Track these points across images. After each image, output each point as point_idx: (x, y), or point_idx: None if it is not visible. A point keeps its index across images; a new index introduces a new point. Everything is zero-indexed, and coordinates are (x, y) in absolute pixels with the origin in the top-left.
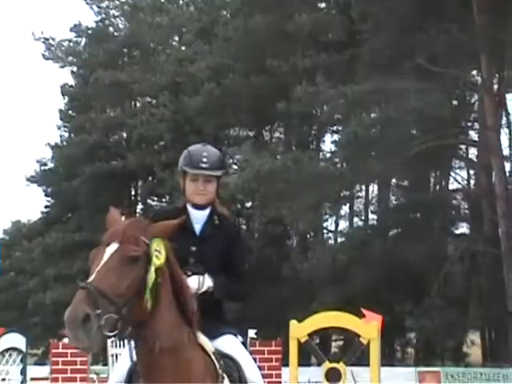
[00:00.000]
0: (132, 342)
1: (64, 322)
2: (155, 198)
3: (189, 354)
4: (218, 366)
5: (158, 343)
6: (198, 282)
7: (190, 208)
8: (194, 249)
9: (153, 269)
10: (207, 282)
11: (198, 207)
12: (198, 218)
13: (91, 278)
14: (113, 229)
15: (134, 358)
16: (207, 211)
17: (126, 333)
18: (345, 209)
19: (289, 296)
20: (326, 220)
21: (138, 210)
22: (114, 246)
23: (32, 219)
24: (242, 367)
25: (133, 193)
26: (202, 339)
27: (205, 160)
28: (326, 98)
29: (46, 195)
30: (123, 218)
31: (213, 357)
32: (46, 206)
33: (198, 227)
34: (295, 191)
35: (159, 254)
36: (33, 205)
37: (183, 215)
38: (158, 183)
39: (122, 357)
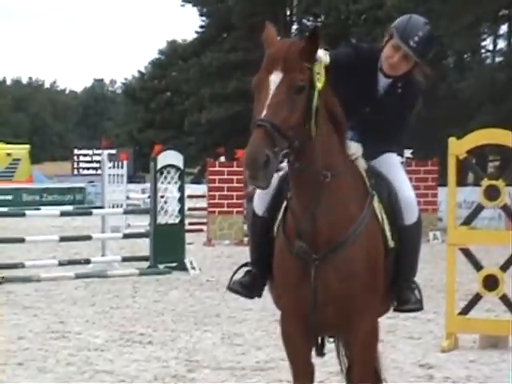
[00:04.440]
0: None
1: (244, 162)
2: (311, 18)
3: (339, 171)
4: (368, 184)
5: (313, 162)
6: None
7: (379, 68)
8: (367, 110)
9: (316, 94)
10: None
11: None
12: (383, 82)
13: (264, 114)
14: (273, 52)
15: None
16: (392, 79)
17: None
18: (503, 28)
19: (445, 116)
20: (484, 39)
21: (292, 31)
22: (278, 75)
23: (187, 39)
24: (394, 186)
25: (288, 13)
26: (355, 157)
27: (416, 39)
28: None
29: (201, 15)
30: (278, 38)
31: (364, 175)
32: (201, 26)
33: (380, 90)
34: (453, 10)
35: (320, 76)
36: (188, 25)
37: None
38: (313, 2)
39: None
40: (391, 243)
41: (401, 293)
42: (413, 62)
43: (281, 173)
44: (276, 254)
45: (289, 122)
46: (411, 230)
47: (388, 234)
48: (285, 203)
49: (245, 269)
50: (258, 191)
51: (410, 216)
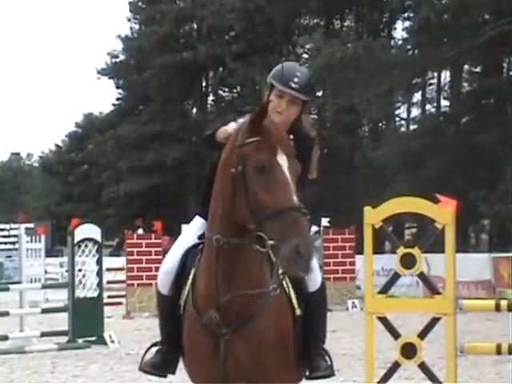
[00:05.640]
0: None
1: (302, 255)
2: (226, 89)
3: (246, 242)
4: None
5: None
6: None
7: None
8: None
9: None
10: None
11: None
12: None
13: (295, 200)
14: (273, 132)
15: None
16: None
17: None
18: (417, 96)
19: (361, 184)
20: (399, 108)
21: (208, 102)
22: (284, 158)
23: (104, 112)
24: None
25: (204, 84)
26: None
27: (296, 80)
28: None
29: (118, 87)
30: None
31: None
32: (118, 99)
33: None
34: (367, 79)
35: None
36: (104, 97)
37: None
38: (228, 74)
39: (188, 231)
40: (298, 311)
41: (311, 360)
42: (301, 104)
43: (185, 249)
44: (185, 330)
45: None
46: (315, 296)
47: (295, 302)
48: (191, 278)
49: (155, 348)
50: (162, 269)
51: (314, 283)
